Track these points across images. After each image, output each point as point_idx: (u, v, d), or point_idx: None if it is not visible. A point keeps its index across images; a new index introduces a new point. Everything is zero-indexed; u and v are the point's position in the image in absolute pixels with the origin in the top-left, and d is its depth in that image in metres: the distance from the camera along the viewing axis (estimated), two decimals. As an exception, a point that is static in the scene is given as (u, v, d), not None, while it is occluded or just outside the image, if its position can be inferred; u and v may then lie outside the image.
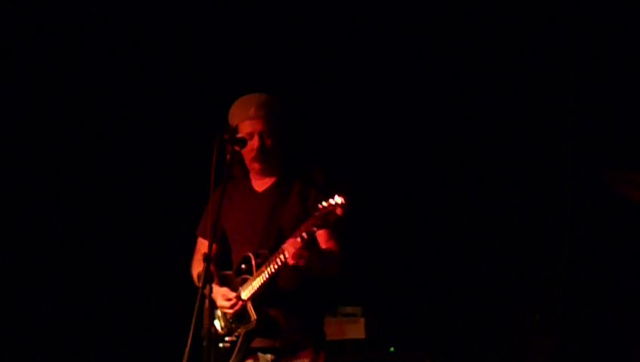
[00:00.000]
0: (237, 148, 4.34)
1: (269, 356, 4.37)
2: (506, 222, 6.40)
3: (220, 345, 4.38)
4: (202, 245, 4.64)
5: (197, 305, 4.01)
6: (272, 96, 4.50)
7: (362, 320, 6.28)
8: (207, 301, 4.04)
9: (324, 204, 4.05)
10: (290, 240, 4.14)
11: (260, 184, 4.52)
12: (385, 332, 6.36)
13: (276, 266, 4.20)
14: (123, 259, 6.45)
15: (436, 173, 6.58)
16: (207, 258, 4.07)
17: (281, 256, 4.18)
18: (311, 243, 4.18)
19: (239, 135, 4.36)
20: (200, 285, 4.05)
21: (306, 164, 4.50)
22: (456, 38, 6.37)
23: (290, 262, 4.15)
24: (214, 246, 4.38)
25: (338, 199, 4.03)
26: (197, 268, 4.55)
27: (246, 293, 4.31)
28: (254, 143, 4.39)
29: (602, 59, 5.97)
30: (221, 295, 4.36)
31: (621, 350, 5.89)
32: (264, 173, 4.50)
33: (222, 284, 4.40)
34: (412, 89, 6.52)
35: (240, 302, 4.31)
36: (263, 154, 4.41)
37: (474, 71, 6.38)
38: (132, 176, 6.45)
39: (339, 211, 4.02)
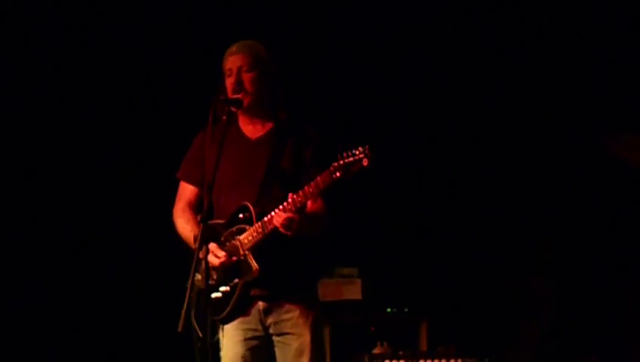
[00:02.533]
0: (233, 108, 4.31)
1: (260, 303, 4.30)
2: (505, 187, 6.40)
3: (213, 295, 4.29)
4: (185, 190, 4.52)
5: (193, 266, 3.99)
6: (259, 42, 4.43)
7: (359, 281, 6.28)
8: (203, 263, 4.04)
9: (349, 153, 3.95)
10: (280, 210, 4.09)
11: (253, 131, 4.41)
12: (382, 293, 6.37)
13: (270, 228, 4.17)
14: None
15: (433, 134, 6.56)
16: (203, 219, 4.03)
17: (271, 224, 4.13)
18: (303, 208, 4.12)
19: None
20: (196, 246, 4.03)
21: (300, 121, 4.41)
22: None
23: (282, 230, 4.10)
24: (198, 193, 4.38)
25: (365, 149, 3.93)
26: (180, 217, 4.47)
27: (246, 243, 4.22)
28: (232, 79, 4.32)
29: (602, 23, 5.94)
30: (210, 251, 4.24)
31: (619, 319, 5.91)
32: (253, 117, 4.38)
33: (212, 235, 4.26)
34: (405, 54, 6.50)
35: (232, 258, 4.26)
36: (237, 87, 4.29)
37: (468, 36, 6.36)
38: (121, 141, 6.46)
39: (365, 162, 3.92)
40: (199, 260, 4.07)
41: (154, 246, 6.07)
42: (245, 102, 4.31)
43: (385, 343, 6.06)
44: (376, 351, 5.99)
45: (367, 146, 3.95)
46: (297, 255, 4.29)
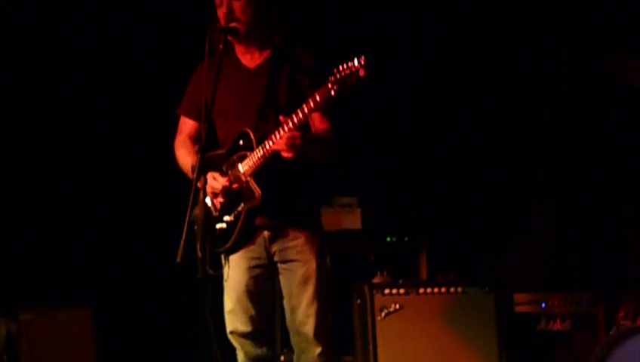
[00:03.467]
0: (230, 37, 4.24)
1: (265, 232, 4.31)
2: (504, 111, 6.35)
3: (217, 226, 4.31)
4: (185, 124, 4.51)
5: (191, 196, 3.95)
6: None
7: (358, 210, 6.27)
8: (201, 193, 4.00)
9: (345, 66, 3.91)
10: (281, 131, 4.05)
11: (251, 60, 4.38)
12: (381, 222, 6.35)
13: (271, 150, 4.11)
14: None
15: (434, 61, 6.49)
16: (201, 148, 3.99)
17: (272, 147, 4.10)
18: (305, 125, 4.09)
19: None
20: (194, 176, 3.99)
21: (297, 47, 4.36)
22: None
23: (284, 152, 4.07)
24: (198, 126, 4.33)
25: (360, 60, 3.89)
26: (181, 149, 4.47)
27: (247, 169, 4.20)
28: (223, 9, 4.25)
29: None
30: (212, 178, 4.25)
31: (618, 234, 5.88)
32: (249, 45, 4.34)
33: (212, 166, 4.27)
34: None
35: (234, 185, 4.21)
36: (230, 17, 4.23)
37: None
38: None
39: (362, 73, 3.88)
40: (197, 191, 4.02)
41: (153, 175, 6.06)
42: (240, 30, 4.25)
43: (385, 272, 6.05)
44: (376, 280, 5.98)
45: (362, 57, 3.91)
46: (300, 180, 4.28)
